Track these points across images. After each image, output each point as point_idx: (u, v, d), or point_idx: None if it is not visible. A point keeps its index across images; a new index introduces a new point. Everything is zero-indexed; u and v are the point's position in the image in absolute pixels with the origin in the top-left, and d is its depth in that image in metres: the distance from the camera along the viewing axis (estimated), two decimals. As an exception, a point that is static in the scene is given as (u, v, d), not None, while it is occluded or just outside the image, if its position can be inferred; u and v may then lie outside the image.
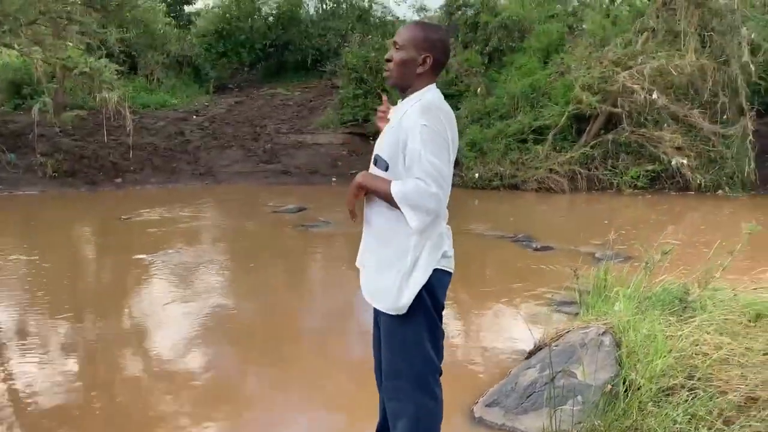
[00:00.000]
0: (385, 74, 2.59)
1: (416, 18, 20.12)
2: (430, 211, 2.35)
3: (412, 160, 2.36)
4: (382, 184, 2.42)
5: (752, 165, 11.87)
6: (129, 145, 13.61)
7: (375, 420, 2.90)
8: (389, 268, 2.47)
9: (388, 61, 2.53)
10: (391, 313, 2.48)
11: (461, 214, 10.05)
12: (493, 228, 9.04)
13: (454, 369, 4.26)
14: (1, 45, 12.53)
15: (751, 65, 11.75)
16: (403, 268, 2.43)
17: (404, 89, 2.55)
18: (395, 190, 2.36)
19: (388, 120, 2.64)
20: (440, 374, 2.60)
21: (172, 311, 5.65)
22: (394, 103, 2.68)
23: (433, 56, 2.49)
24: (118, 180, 13.02)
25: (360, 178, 2.50)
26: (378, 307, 2.54)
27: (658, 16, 12.62)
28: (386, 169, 2.47)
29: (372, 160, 2.58)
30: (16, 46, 12.20)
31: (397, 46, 2.51)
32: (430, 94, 2.51)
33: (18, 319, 5.32)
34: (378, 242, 2.54)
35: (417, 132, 2.35)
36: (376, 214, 2.55)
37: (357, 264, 2.70)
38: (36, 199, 11.44)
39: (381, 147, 2.54)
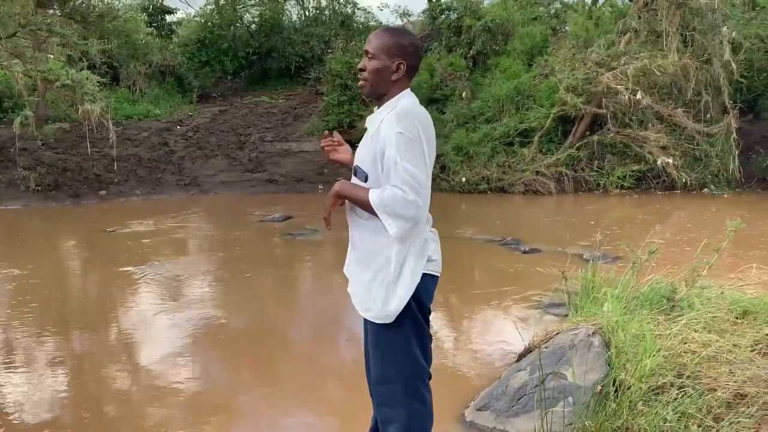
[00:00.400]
0: (360, 84, 2.58)
1: (399, 23, 20.21)
2: (408, 219, 2.35)
3: (388, 168, 2.36)
4: (361, 192, 2.43)
5: (736, 162, 12.02)
6: (113, 156, 13.56)
7: (366, 425, 2.91)
8: (374, 278, 2.48)
9: (362, 70, 2.52)
10: (378, 321, 2.49)
11: (449, 219, 10.09)
12: (481, 232, 9.08)
13: (444, 373, 4.28)
14: (-20, 59, 12.46)
15: (733, 63, 11.91)
16: (387, 276, 2.44)
17: (380, 97, 2.55)
18: (373, 198, 2.37)
19: (338, 152, 2.73)
20: (429, 378, 2.62)
21: (161, 323, 5.64)
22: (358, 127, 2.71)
23: (406, 62, 2.49)
24: (103, 192, 12.96)
25: (338, 186, 2.50)
26: (366, 316, 2.55)
27: (639, 17, 12.75)
28: (365, 179, 2.48)
29: (352, 170, 2.59)
30: (-5, 59, 12.15)
31: (369, 55, 2.50)
32: (405, 100, 2.50)
33: (4, 335, 5.29)
34: (361, 252, 2.55)
35: (393, 140, 2.35)
36: (355, 224, 2.56)
37: (344, 272, 2.71)
38: (19, 213, 11.37)
39: (360, 157, 2.55)
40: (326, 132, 2.77)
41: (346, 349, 4.98)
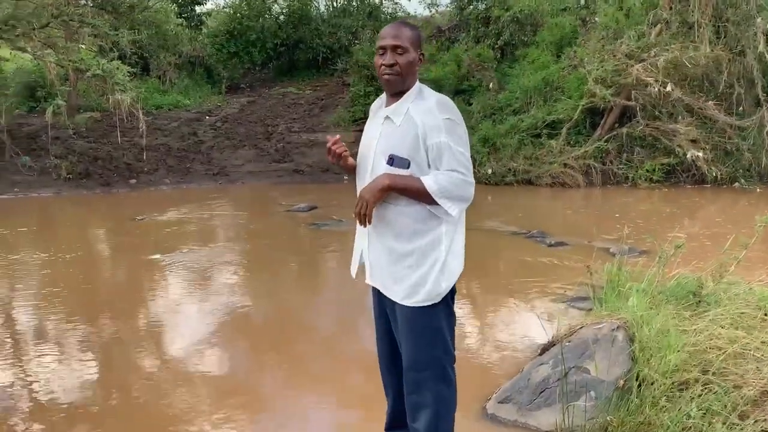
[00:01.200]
0: (387, 79, 2.51)
1: (427, 14, 20.11)
2: (467, 199, 2.48)
3: (440, 152, 2.42)
4: (413, 182, 2.45)
5: (769, 157, 11.78)
6: (142, 146, 13.73)
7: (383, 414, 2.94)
8: (419, 261, 2.51)
9: (392, 65, 2.49)
10: (426, 304, 2.52)
11: (475, 210, 9.98)
12: (507, 224, 9.03)
13: (467, 365, 4.28)
14: (14, 48, 12.66)
15: (767, 55, 11.64)
16: (440, 257, 2.51)
17: (403, 91, 2.55)
18: (430, 184, 2.41)
19: (349, 157, 2.69)
20: (455, 361, 2.66)
21: (187, 310, 5.72)
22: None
23: (423, 52, 2.60)
24: (133, 181, 13.14)
25: (387, 180, 2.46)
26: (407, 303, 2.54)
27: (671, 8, 12.52)
28: (408, 166, 2.47)
29: (384, 161, 2.52)
30: (29, 49, 12.34)
31: (400, 50, 2.48)
32: (429, 91, 2.58)
33: (36, 320, 5.40)
34: (398, 239, 2.54)
35: (442, 126, 2.42)
36: (396, 213, 2.53)
37: (367, 279, 2.72)
38: (51, 200, 11.58)
39: (393, 147, 2.51)
40: (337, 137, 2.75)
41: (366, 338, 4.99)
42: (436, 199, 2.41)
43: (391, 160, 2.51)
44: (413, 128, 2.45)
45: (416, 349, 2.58)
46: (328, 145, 2.65)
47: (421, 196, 2.43)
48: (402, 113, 2.51)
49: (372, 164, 2.59)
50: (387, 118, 2.57)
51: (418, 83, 2.57)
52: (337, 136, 2.71)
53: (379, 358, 2.86)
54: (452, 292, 2.61)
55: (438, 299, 2.51)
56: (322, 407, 3.86)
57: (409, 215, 2.50)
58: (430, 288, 2.50)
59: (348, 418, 3.76)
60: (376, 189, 2.46)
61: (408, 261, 2.53)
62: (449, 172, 2.41)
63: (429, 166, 2.46)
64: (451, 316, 2.63)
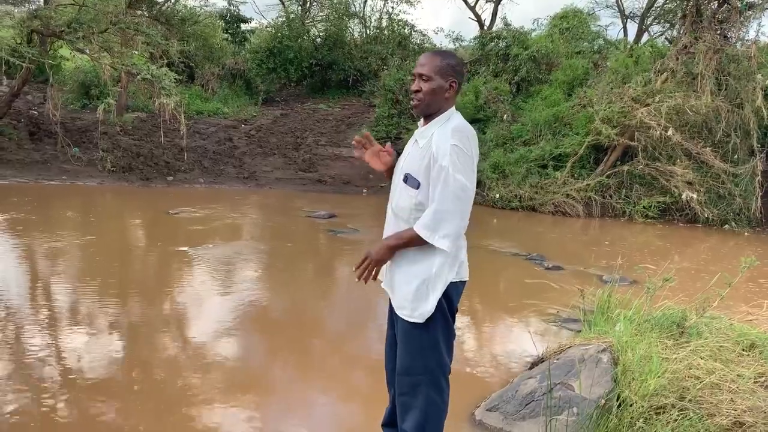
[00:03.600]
0: (414, 104, 2.57)
1: (452, 47, 20.17)
2: (458, 234, 2.45)
3: (438, 175, 2.39)
4: (408, 234, 2.48)
5: (758, 203, 11.66)
6: (182, 147, 13.85)
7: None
8: (413, 280, 2.52)
9: (417, 92, 2.53)
10: (412, 320, 2.50)
11: (480, 231, 10.02)
12: (509, 245, 9.00)
13: (461, 374, 4.26)
14: (75, 50, 12.86)
15: (764, 109, 11.57)
16: (428, 280, 2.50)
17: (431, 114, 2.56)
18: (423, 233, 2.42)
19: (380, 159, 2.75)
20: (449, 372, 2.64)
21: (210, 300, 5.75)
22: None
23: (458, 81, 2.54)
24: (170, 178, 13.24)
25: (392, 241, 2.52)
26: (401, 314, 2.57)
27: (677, 59, 12.47)
28: (417, 186, 2.49)
29: (401, 178, 2.58)
30: (87, 51, 12.50)
31: (424, 78, 2.51)
32: (456, 119, 2.53)
33: (70, 299, 5.45)
34: (404, 257, 2.56)
35: (447, 151, 2.39)
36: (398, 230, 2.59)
37: (382, 277, 2.73)
38: (94, 190, 11.69)
39: (410, 167, 2.55)
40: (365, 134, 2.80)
41: (373, 341, 4.99)
42: (434, 243, 2.41)
43: (406, 179, 2.54)
44: (429, 152, 2.45)
45: (410, 358, 2.57)
46: (357, 138, 2.77)
47: (419, 244, 2.46)
48: (427, 136, 2.52)
49: (398, 180, 2.63)
50: (416, 139, 2.61)
51: (452, 110, 2.56)
52: (366, 132, 2.79)
53: (385, 357, 2.86)
54: (452, 310, 2.58)
55: (421, 319, 2.50)
56: (326, 401, 3.86)
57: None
58: (416, 306, 2.50)
59: (349, 412, 3.75)
60: (382, 251, 2.52)
61: (405, 278, 2.54)
62: (434, 212, 2.40)
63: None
64: (449, 331, 2.59)
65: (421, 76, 2.52)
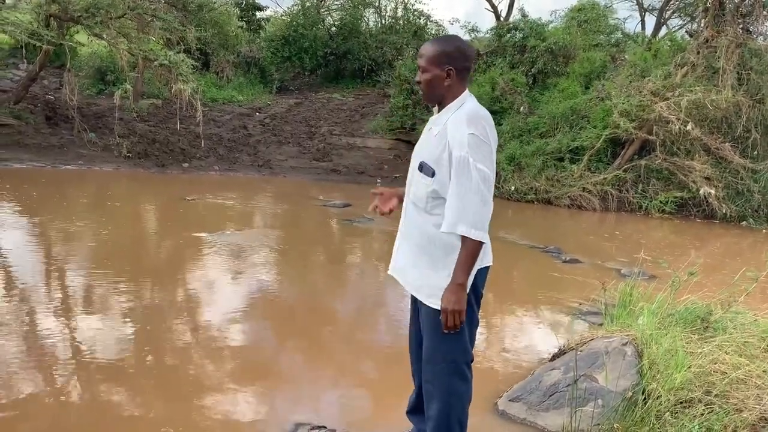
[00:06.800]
0: (421, 94, 2.58)
1: (468, 38, 20.03)
2: (487, 223, 2.40)
3: (460, 166, 2.34)
4: (464, 254, 2.37)
5: (778, 200, 11.52)
6: (197, 134, 13.86)
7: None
8: (443, 268, 2.47)
9: (419, 83, 2.53)
10: (438, 307, 2.47)
11: (496, 223, 9.92)
12: (525, 238, 8.94)
13: (482, 365, 4.23)
14: (92, 35, 12.87)
15: (785, 105, 11.41)
16: (452, 266, 2.44)
17: (440, 103, 2.54)
18: (466, 231, 2.34)
19: (388, 204, 2.75)
20: (473, 360, 2.61)
21: (223, 286, 5.75)
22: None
23: (455, 67, 2.46)
24: (185, 164, 13.26)
25: (458, 280, 2.38)
26: (428, 303, 2.53)
27: (698, 52, 12.30)
28: (432, 175, 2.46)
29: (416, 166, 2.55)
30: (104, 36, 12.51)
31: (421, 69, 2.50)
32: (469, 104, 2.48)
33: (85, 283, 5.46)
34: (427, 244, 2.53)
35: (465, 141, 2.34)
36: (419, 219, 2.56)
37: (392, 264, 2.73)
38: (110, 175, 11.73)
39: (425, 155, 2.52)
40: (376, 190, 2.80)
41: (384, 331, 4.98)
42: (477, 239, 2.34)
43: (421, 167, 2.52)
44: (444, 140, 2.42)
45: (434, 346, 2.55)
46: (372, 207, 2.78)
47: (477, 251, 2.38)
48: (441, 123, 2.49)
49: (414, 167, 2.61)
50: (430, 126, 2.58)
51: (464, 95, 2.51)
52: (377, 189, 2.81)
53: (409, 346, 2.84)
54: (478, 297, 2.56)
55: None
56: (335, 389, 3.83)
57: (435, 225, 2.48)
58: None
59: (357, 400, 3.71)
60: (456, 294, 2.38)
61: (432, 264, 2.51)
62: (463, 207, 2.32)
63: (450, 179, 2.40)
64: (474, 318, 2.57)
65: (419, 68, 2.53)
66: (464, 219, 2.32)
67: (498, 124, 14.27)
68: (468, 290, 2.44)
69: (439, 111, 2.56)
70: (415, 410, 2.85)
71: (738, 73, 11.92)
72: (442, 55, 2.45)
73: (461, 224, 2.33)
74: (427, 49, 2.49)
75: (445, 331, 2.42)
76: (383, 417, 3.43)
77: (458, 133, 2.36)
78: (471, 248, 2.36)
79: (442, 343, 2.52)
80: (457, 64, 2.46)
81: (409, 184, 2.63)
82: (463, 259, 2.37)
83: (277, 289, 5.84)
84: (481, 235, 2.35)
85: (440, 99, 2.50)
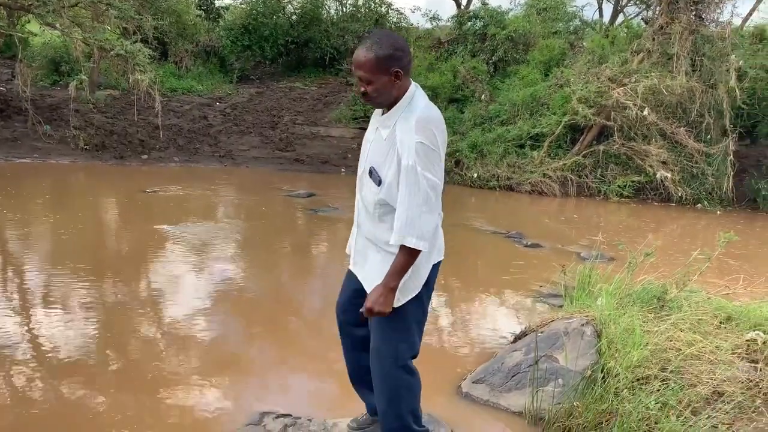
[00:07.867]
0: (368, 102, 2.42)
1: (429, 26, 20.05)
2: (432, 232, 2.36)
3: (408, 176, 2.29)
4: (398, 262, 2.35)
5: (730, 182, 11.85)
6: (156, 125, 13.60)
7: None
8: (387, 267, 2.43)
9: (364, 94, 2.38)
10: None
11: (460, 209, 10.06)
12: (488, 224, 9.04)
13: (447, 349, 4.29)
14: (44, 24, 12.47)
15: (737, 90, 11.73)
16: (408, 279, 2.43)
17: (391, 105, 2.42)
18: (408, 241, 2.30)
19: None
20: (417, 354, 2.62)
21: (186, 279, 5.68)
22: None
23: (401, 66, 2.34)
24: (144, 156, 13.01)
25: (388, 283, 2.36)
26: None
27: (653, 39, 12.55)
28: (379, 183, 2.40)
29: (366, 169, 2.47)
30: (58, 26, 12.13)
31: (365, 80, 2.34)
32: (418, 101, 2.39)
33: (43, 279, 5.34)
34: (380, 242, 2.51)
35: (413, 148, 2.27)
36: (370, 220, 2.53)
37: (350, 255, 2.73)
38: (67, 168, 11.44)
39: (374, 159, 2.45)
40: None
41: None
42: (416, 248, 2.31)
43: (371, 173, 2.45)
44: (393, 147, 2.34)
45: (380, 342, 2.54)
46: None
47: (414, 259, 2.36)
48: (390, 126, 2.39)
49: (363, 168, 2.53)
50: (377, 128, 2.48)
51: (411, 90, 2.39)
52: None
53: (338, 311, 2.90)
54: (429, 292, 2.55)
55: (398, 303, 2.43)
56: (302, 378, 3.84)
57: (385, 224, 2.45)
58: (402, 298, 2.45)
59: (324, 389, 3.74)
60: (384, 297, 2.36)
61: (383, 263, 2.46)
62: (409, 217, 2.29)
63: (398, 187, 2.34)
64: (423, 314, 2.57)
65: (360, 79, 2.36)
66: (412, 231, 2.29)
67: (460, 112, 14.38)
68: (421, 287, 2.45)
69: (386, 111, 2.45)
70: (356, 381, 2.92)
71: (692, 59, 12.21)
72: (384, 59, 2.31)
73: (410, 237, 2.29)
74: (365, 57, 2.31)
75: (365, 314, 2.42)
76: (347, 404, 3.45)
77: (407, 139, 2.29)
78: (410, 256, 2.34)
79: (391, 339, 2.51)
80: (401, 62, 2.34)
81: (360, 183, 2.56)
82: (400, 265, 2.35)
83: (242, 281, 5.79)
84: (426, 245, 2.32)
85: (393, 101, 2.40)
